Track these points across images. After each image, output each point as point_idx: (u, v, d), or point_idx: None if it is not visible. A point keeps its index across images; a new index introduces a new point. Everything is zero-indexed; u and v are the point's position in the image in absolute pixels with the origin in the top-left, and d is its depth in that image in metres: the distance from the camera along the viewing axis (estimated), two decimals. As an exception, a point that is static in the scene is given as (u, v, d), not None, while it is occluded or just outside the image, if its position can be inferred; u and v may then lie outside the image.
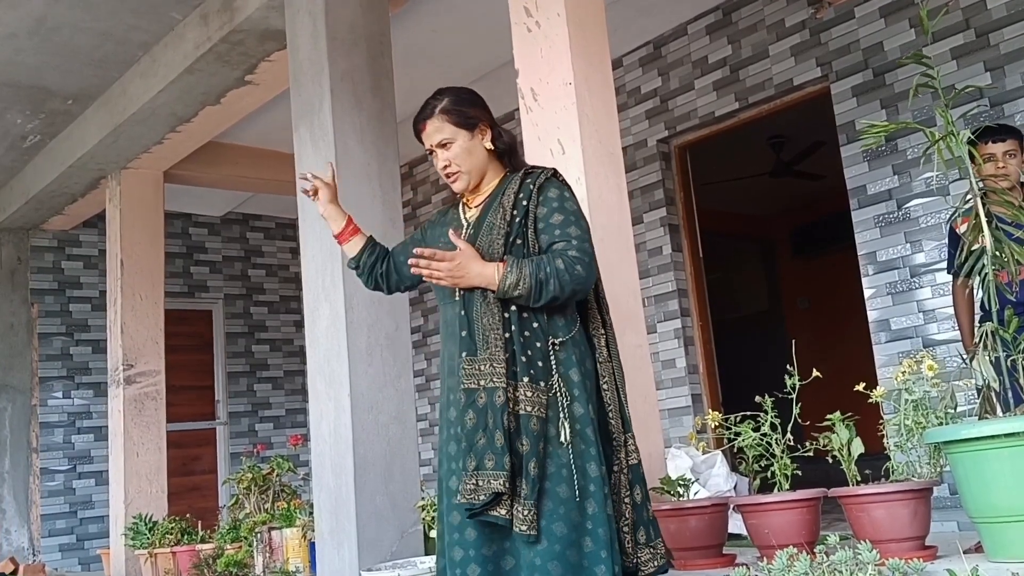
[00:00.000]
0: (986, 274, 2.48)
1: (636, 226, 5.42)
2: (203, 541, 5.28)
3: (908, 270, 4.65)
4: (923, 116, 4.56)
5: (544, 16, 3.49)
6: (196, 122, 5.65)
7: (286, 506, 4.65)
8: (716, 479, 4.63)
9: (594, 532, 2.10)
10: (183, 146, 6.05)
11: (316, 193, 2.57)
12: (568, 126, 3.33)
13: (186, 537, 5.43)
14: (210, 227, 8.52)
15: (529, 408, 2.12)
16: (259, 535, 4.49)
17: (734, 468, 4.50)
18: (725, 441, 2.92)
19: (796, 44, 5.16)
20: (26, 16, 4.67)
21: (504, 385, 2.13)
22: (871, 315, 4.78)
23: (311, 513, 4.43)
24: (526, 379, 2.13)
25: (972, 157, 3.25)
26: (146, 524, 5.61)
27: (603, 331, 2.34)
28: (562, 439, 2.13)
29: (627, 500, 2.22)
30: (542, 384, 2.14)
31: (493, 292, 2.19)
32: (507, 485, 2.07)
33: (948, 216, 3.64)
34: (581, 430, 2.16)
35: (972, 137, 2.74)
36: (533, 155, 3.30)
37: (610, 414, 2.27)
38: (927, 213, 4.58)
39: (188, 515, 5.68)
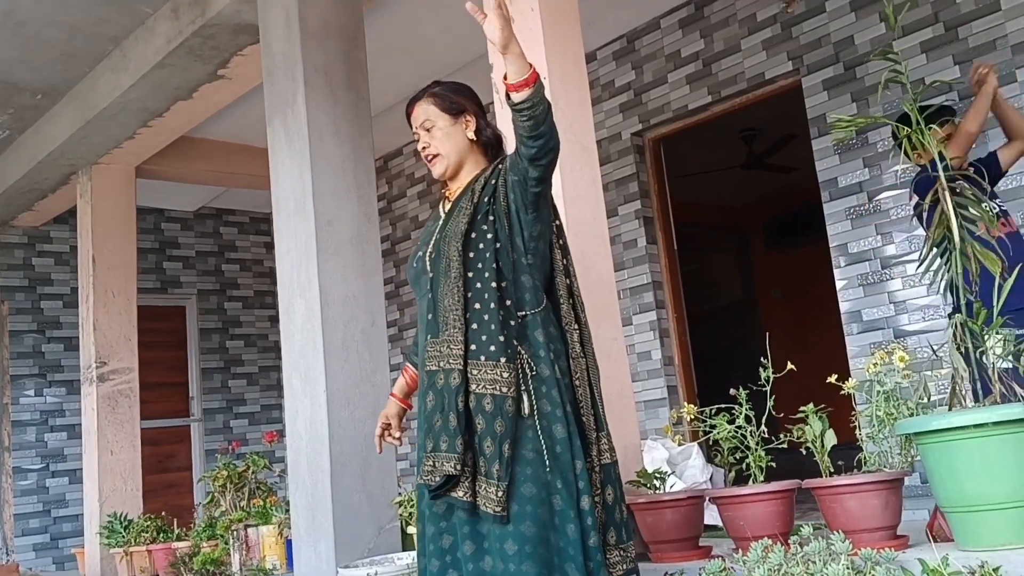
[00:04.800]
0: (952, 269, 2.52)
1: (611, 219, 5.44)
2: (179, 539, 5.25)
3: (879, 262, 4.70)
4: (894, 109, 4.60)
5: (518, 11, 3.48)
6: (168, 117, 5.59)
7: (262, 503, 4.64)
8: (692, 470, 4.66)
9: (562, 491, 2.11)
10: (155, 141, 5.99)
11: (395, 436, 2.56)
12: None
13: (162, 535, 5.40)
14: (183, 222, 8.45)
15: (485, 387, 2.13)
16: (235, 533, 4.48)
17: (710, 459, 4.54)
18: (701, 434, 2.94)
19: (768, 38, 5.20)
20: (-7, 10, 4.61)
21: (460, 367, 2.15)
22: (843, 306, 4.84)
23: (287, 510, 4.42)
24: (483, 357, 2.15)
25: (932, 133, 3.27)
26: (121, 522, 5.57)
27: (576, 326, 2.33)
28: (524, 411, 2.14)
29: (598, 499, 2.21)
30: (503, 360, 2.13)
31: (512, 90, 2.06)
32: (458, 468, 2.10)
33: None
34: (547, 392, 2.17)
35: (932, 126, 2.79)
36: (507, 149, 3.30)
37: (582, 410, 2.26)
38: (897, 205, 4.63)
39: (163, 513, 5.64)
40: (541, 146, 2.13)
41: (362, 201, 4.06)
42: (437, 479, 2.13)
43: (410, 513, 3.62)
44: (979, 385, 2.47)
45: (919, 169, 3.56)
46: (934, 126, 3.13)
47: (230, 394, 8.43)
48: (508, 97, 2.09)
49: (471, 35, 5.21)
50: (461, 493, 2.12)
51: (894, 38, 4.60)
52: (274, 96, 4.11)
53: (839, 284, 4.85)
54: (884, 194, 4.68)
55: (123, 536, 5.50)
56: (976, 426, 2.21)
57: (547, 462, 2.12)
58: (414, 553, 3.41)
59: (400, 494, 3.79)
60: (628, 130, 5.87)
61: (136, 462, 6.03)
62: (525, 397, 2.15)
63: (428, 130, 2.40)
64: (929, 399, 2.66)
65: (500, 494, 2.07)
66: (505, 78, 2.09)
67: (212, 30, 4.61)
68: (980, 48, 4.37)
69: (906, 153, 2.64)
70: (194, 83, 5.18)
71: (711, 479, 4.65)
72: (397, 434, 2.55)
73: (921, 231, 4.51)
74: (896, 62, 2.55)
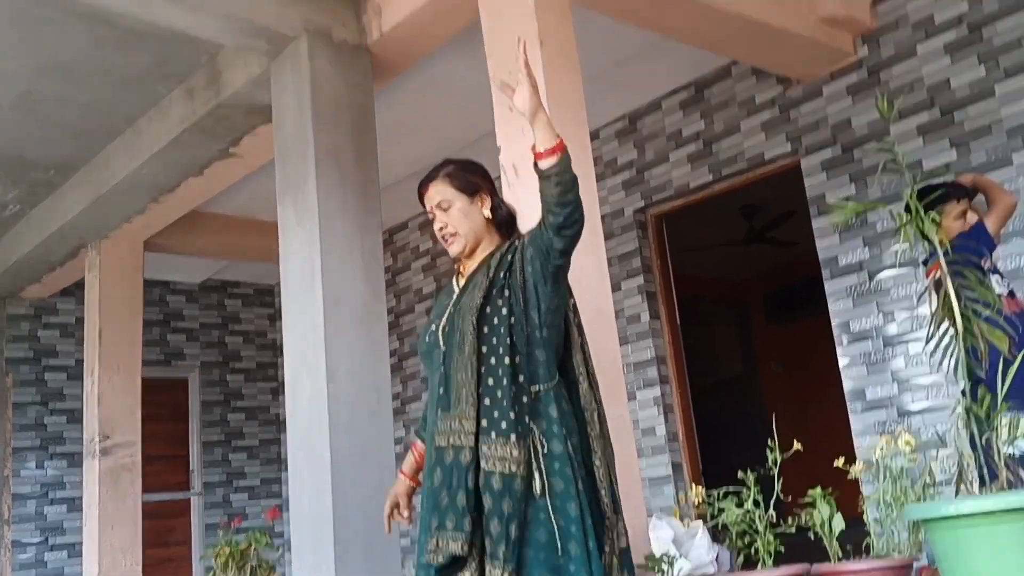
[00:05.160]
0: (958, 355, 2.55)
1: (614, 293, 5.47)
2: (178, 617, 5.19)
3: (881, 340, 4.74)
4: (892, 191, 4.69)
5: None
6: (178, 193, 5.69)
7: (264, 582, 4.60)
8: (698, 550, 4.62)
9: (577, 574, 2.07)
10: (164, 216, 6.09)
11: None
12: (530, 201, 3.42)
13: (160, 613, 5.34)
14: (188, 294, 8.51)
15: (495, 465, 2.11)
16: (236, 612, 4.43)
17: (715, 538, 4.51)
18: (708, 517, 2.94)
19: (767, 120, 5.31)
20: (10, 89, 4.73)
21: (472, 444, 2.13)
22: (846, 385, 4.85)
23: (289, 589, 4.39)
24: (494, 434, 2.13)
25: (937, 223, 3.31)
26: (119, 600, 5.51)
27: (594, 405, 2.31)
28: (535, 489, 2.11)
29: None
30: (513, 438, 2.12)
31: (540, 158, 2.12)
32: (465, 548, 2.07)
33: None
34: (560, 469, 2.14)
35: (934, 214, 2.85)
36: (521, 227, 3.36)
37: (602, 491, 2.22)
38: (898, 284, 4.68)
39: (162, 590, 5.58)
40: (568, 215, 2.15)
41: (369, 279, 4.11)
42: (441, 559, 2.09)
43: (414, 594, 3.59)
44: (985, 470, 2.48)
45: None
46: (933, 213, 3.22)
47: (230, 468, 8.38)
48: (536, 165, 2.13)
49: (476, 115, 5.35)
50: (468, 574, 2.09)
51: (891, 122, 4.71)
52: (285, 177, 4.19)
53: (842, 362, 4.87)
54: (885, 273, 4.74)
55: (121, 614, 5.42)
56: (984, 513, 2.21)
57: (559, 545, 2.09)
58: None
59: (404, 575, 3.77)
60: (631, 207, 5.96)
61: (136, 537, 5.98)
62: (537, 475, 2.12)
63: (445, 210, 2.41)
64: (935, 483, 2.67)
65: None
66: (533, 147, 2.13)
67: (226, 110, 4.72)
68: (976, 132, 4.47)
69: (924, 236, 2.67)
70: (205, 160, 5.29)
71: (717, 558, 4.61)
72: (406, 513, 2.53)
73: (921, 310, 4.58)
74: (890, 151, 2.61)
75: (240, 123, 4.86)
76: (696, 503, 2.96)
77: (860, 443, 4.73)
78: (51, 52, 4.45)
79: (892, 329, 4.70)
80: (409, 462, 2.59)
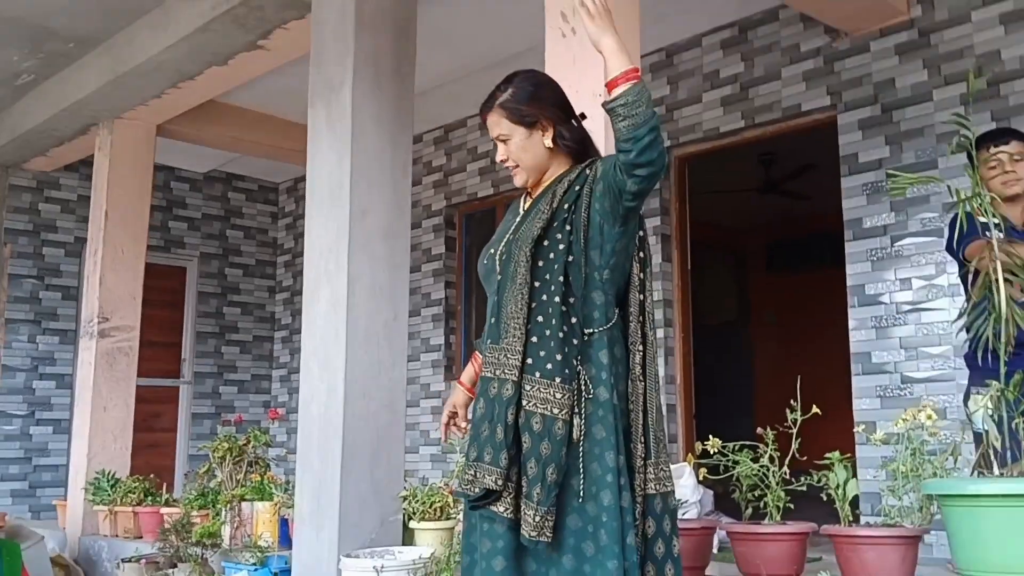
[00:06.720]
0: (986, 333, 2.54)
1: (630, 232, 5.44)
2: (167, 504, 5.24)
3: (894, 307, 4.75)
4: (925, 157, 4.65)
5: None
6: (199, 80, 5.54)
7: (259, 479, 4.64)
8: (684, 490, 4.72)
9: (608, 524, 2.03)
10: (181, 102, 5.94)
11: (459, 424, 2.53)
12: (594, 134, 3.35)
13: (149, 498, 5.39)
14: (192, 183, 8.39)
15: (536, 406, 2.06)
16: (230, 506, 4.47)
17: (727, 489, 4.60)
18: (722, 468, 2.98)
19: (809, 70, 5.21)
20: (40, -44, 4.56)
21: (515, 378, 2.08)
22: (852, 347, 4.87)
23: (285, 490, 4.43)
24: (538, 374, 2.07)
25: (973, 164, 3.22)
26: (109, 481, 5.56)
27: (640, 347, 2.21)
28: (575, 436, 2.06)
29: (650, 530, 2.13)
30: (558, 381, 2.05)
31: (609, 85, 2.01)
32: (499, 483, 2.04)
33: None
34: (603, 416, 2.08)
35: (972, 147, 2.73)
36: (596, 151, 3.27)
37: (632, 436, 2.15)
38: (920, 252, 4.67)
39: (152, 476, 5.63)
40: (640, 150, 1.98)
41: (397, 194, 4.04)
42: (476, 491, 2.07)
43: (414, 509, 3.63)
44: (1009, 454, 2.51)
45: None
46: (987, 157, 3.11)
47: (222, 360, 8.40)
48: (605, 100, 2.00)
49: (513, 30, 5.23)
50: (502, 509, 2.06)
51: (936, 86, 4.64)
52: (320, 80, 4.08)
53: (851, 324, 4.88)
54: (907, 240, 4.72)
55: (109, 495, 5.48)
56: (1004, 495, 2.24)
57: (594, 493, 2.06)
58: (417, 548, 3.44)
59: (405, 488, 3.81)
60: (657, 145, 5.86)
61: (128, 421, 6.01)
62: (576, 420, 2.07)
63: (505, 143, 2.32)
64: (956, 462, 2.70)
65: (538, 518, 2.01)
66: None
67: (260, 1, 4.57)
68: (1020, 108, 4.40)
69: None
70: (232, 50, 5.14)
71: (700, 500, 4.71)
72: (463, 424, 2.48)
73: (939, 280, 4.58)
74: (967, 127, 2.57)
75: (273, 16, 4.71)
76: (712, 452, 2.98)
77: (859, 405, 4.78)
78: (85, -80, 4.27)
79: (907, 296, 4.71)
80: (468, 372, 2.54)
